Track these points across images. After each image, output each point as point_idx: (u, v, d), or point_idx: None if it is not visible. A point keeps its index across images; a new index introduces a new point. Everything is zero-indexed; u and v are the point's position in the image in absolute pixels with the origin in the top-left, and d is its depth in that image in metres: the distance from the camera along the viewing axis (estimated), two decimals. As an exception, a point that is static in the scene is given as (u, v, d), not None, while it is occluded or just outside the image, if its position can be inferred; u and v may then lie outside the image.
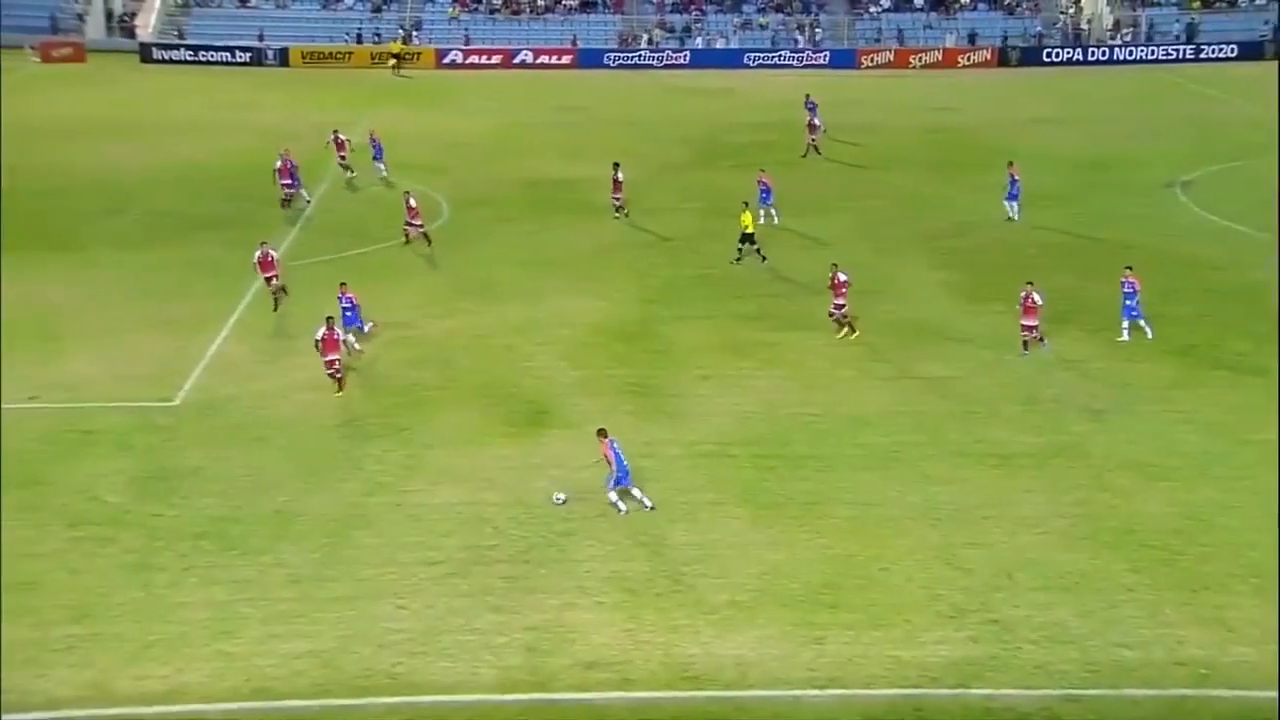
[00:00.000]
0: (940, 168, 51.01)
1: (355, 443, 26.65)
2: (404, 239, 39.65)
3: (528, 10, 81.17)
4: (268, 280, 34.03)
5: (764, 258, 38.28)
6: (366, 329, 31.66)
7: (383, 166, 48.07)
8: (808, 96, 56.85)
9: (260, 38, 76.45)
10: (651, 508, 23.81)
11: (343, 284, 31.45)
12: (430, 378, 30.06)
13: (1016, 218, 42.64)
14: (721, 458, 26.16)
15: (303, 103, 64.67)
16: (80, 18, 78.50)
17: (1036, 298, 30.81)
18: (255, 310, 34.19)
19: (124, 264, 38.15)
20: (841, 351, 31.69)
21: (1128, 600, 21.09)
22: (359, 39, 78.01)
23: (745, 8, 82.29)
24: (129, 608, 20.61)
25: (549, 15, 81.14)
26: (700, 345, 32.08)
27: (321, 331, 28.55)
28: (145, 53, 75.84)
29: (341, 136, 47.77)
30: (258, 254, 33.89)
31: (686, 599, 21.12)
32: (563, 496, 24.15)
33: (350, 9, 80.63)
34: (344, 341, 29.68)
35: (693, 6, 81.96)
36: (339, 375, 28.87)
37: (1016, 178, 42.70)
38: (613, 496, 23.81)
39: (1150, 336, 31.94)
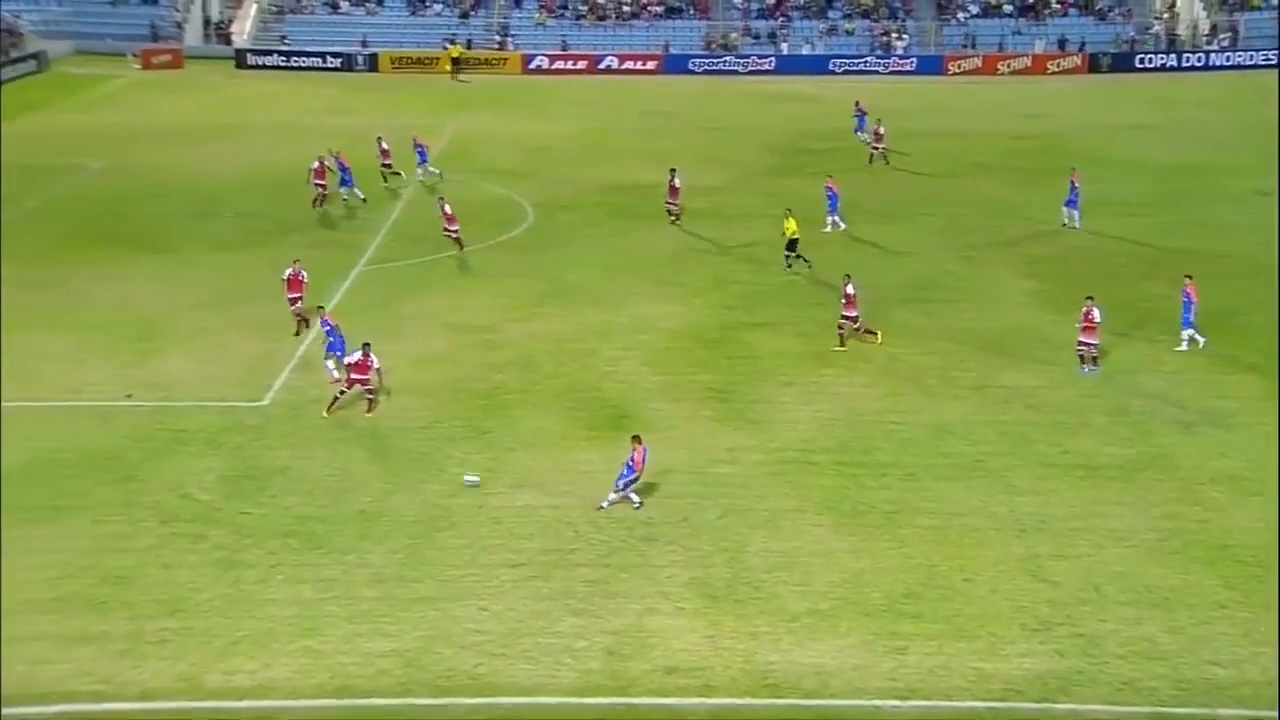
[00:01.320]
0: (1027, 174, 50.33)
1: (438, 445, 26.91)
2: (458, 246, 39.91)
3: (613, 16, 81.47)
4: (291, 301, 32.85)
5: (795, 263, 38.01)
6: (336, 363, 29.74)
7: (433, 170, 48.40)
8: (857, 104, 56.53)
9: (363, 43, 77.42)
10: (602, 507, 23.93)
11: (320, 307, 30.69)
12: (512, 381, 30.27)
13: (1078, 225, 42.16)
14: (803, 465, 26.08)
15: (391, 107, 65.39)
16: (179, 25, 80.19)
17: (1096, 315, 30.27)
18: (343, 313, 34.60)
19: (216, 265, 38.87)
20: (925, 360, 31.43)
21: (1220, 617, 20.68)
22: (453, 43, 78.56)
23: (831, 14, 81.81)
24: (219, 603, 21.00)
25: (635, 21, 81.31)
26: (782, 352, 31.99)
27: (357, 356, 28.07)
28: (240, 59, 77.23)
29: (385, 144, 48.10)
30: (288, 271, 32.93)
31: (767, 606, 21.08)
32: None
33: (439, 15, 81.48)
34: (330, 368, 29.43)
35: (779, 12, 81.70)
36: (370, 395, 28.24)
37: (1077, 184, 42.24)
38: (620, 494, 23.99)
39: (1201, 347, 31.45)
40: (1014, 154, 54.68)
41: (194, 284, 37.07)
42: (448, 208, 39.91)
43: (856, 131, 55.59)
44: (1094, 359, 30.52)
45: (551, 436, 27.32)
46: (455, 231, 39.65)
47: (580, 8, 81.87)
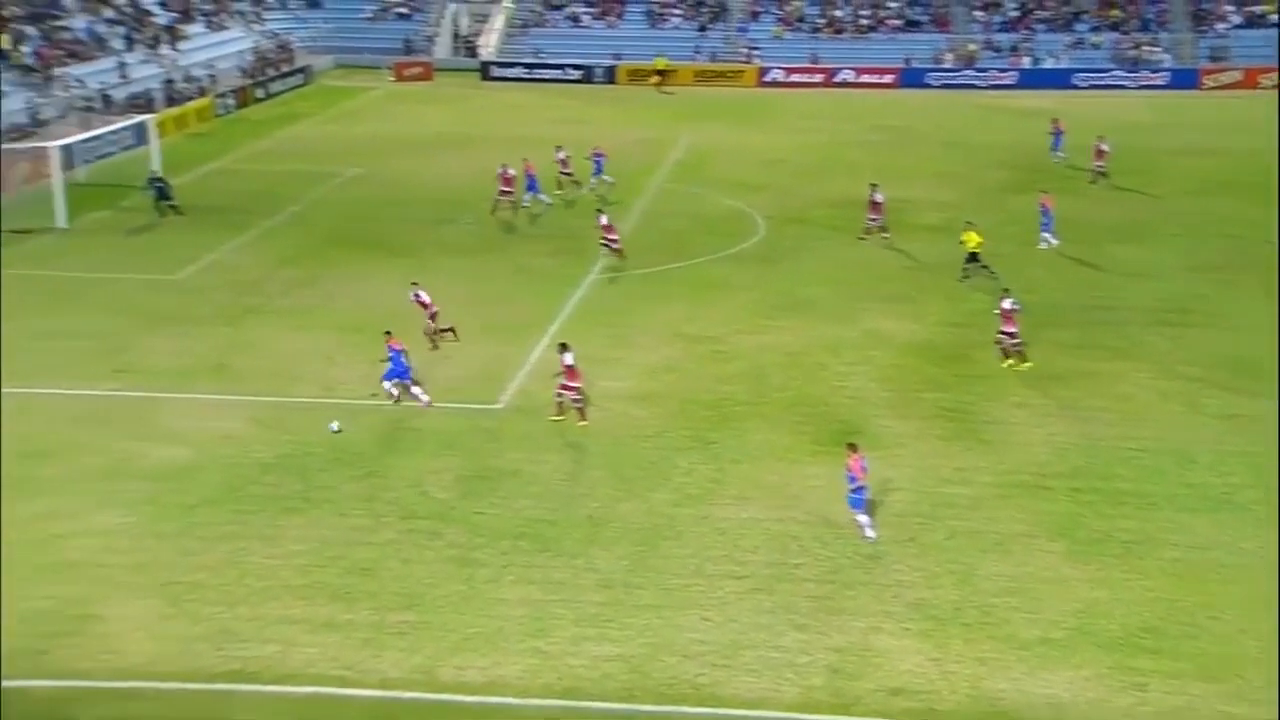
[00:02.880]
0: (1286, 194, 47.71)
1: (665, 453, 27.18)
2: (614, 255, 40.33)
3: (851, 29, 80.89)
4: (432, 318, 33.01)
5: (974, 274, 37.82)
6: (416, 392, 29.66)
7: (608, 179, 48.96)
8: (1054, 121, 54.78)
9: (616, 57, 78.85)
10: (872, 539, 23.41)
11: (387, 333, 30.28)
12: (740, 393, 30.36)
13: None
14: (1036, 489, 25.39)
15: (626, 119, 66.51)
16: (430, 40, 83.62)
17: None
18: (577, 318, 35.42)
19: (454, 270, 40.13)
20: (1169, 385, 30.24)
21: None
22: (698, 53, 79.34)
23: (1078, 26, 79.35)
24: (453, 600, 21.66)
25: (872, 34, 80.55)
26: (1017, 372, 31.21)
27: (570, 359, 28.39)
28: (485, 70, 79.82)
29: (563, 154, 49.03)
30: (410, 296, 33.19)
31: (997, 632, 20.61)
32: (336, 425, 27.67)
33: (676, 28, 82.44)
34: (406, 393, 29.60)
35: (1022, 25, 79.70)
36: (577, 405, 28.43)
37: None
38: (862, 513, 23.67)
39: None
40: (1271, 172, 51.86)
41: (433, 288, 38.03)
42: (605, 219, 40.55)
43: (1052, 150, 54.00)
44: None
45: (778, 450, 27.31)
46: (614, 241, 40.16)
47: (818, 21, 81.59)
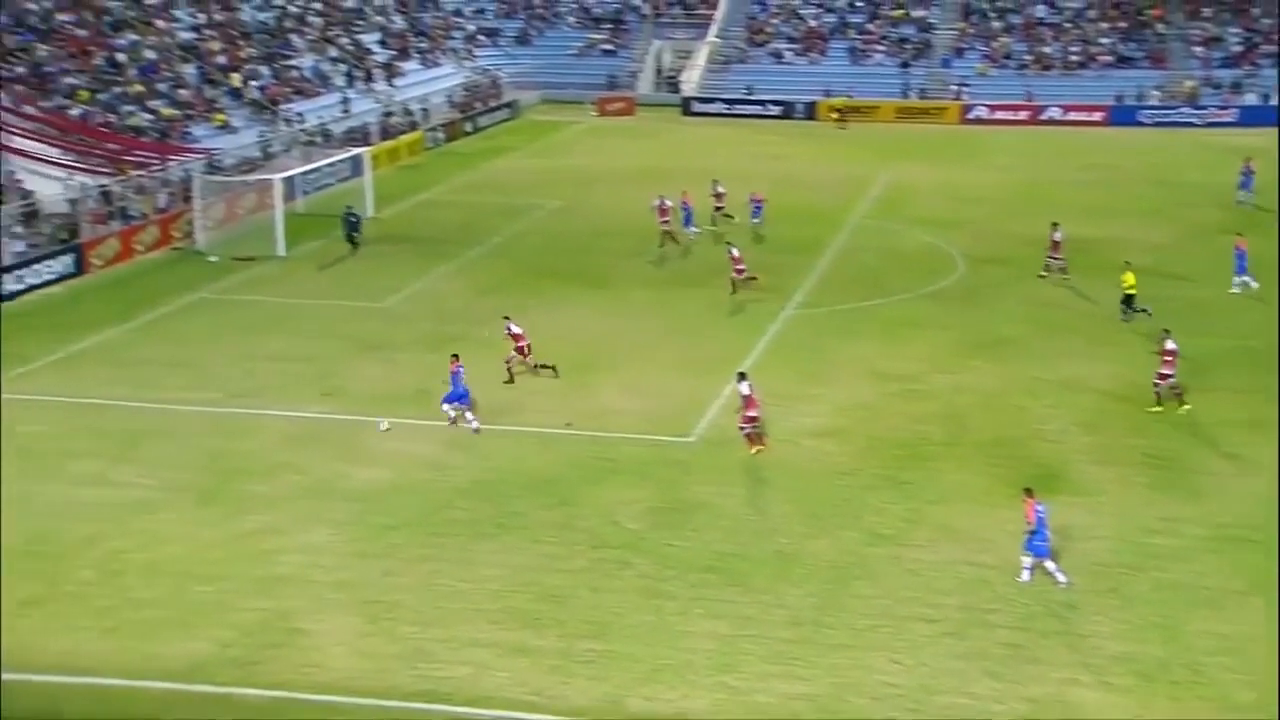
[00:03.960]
0: None
1: (856, 492, 26.93)
2: (732, 288, 40.37)
3: (1059, 65, 79.00)
4: (521, 352, 33.25)
5: (1133, 316, 37.11)
6: (474, 423, 30.15)
7: (758, 221, 49.04)
8: (1247, 161, 52.58)
9: (827, 93, 78.44)
10: (1065, 584, 22.71)
11: (454, 356, 30.42)
12: (936, 433, 29.89)
13: None
14: (1248, 544, 24.30)
15: (826, 155, 66.37)
16: (634, 75, 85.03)
17: None
18: (771, 353, 35.41)
19: (649, 303, 40.63)
20: (1400, 439, 28.56)
21: None
22: (909, 91, 78.66)
23: (1308, 59, 75.85)
24: (641, 630, 21.77)
25: (1082, 71, 78.50)
26: (1227, 420, 30.00)
27: (746, 387, 28.62)
28: (686, 106, 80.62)
29: (720, 189, 49.43)
30: (514, 329, 33.39)
31: (1207, 692, 19.74)
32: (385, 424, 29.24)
33: (879, 64, 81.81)
34: (462, 417, 29.90)
35: (1246, 61, 76.56)
36: (750, 433, 28.63)
37: None
38: (1026, 561, 22.98)
39: None
40: None
41: (629, 320, 38.87)
42: (735, 251, 40.79)
43: (1240, 189, 51.87)
44: None
45: (973, 492, 26.76)
46: (744, 271, 40.29)
47: (1025, 57, 79.95)
